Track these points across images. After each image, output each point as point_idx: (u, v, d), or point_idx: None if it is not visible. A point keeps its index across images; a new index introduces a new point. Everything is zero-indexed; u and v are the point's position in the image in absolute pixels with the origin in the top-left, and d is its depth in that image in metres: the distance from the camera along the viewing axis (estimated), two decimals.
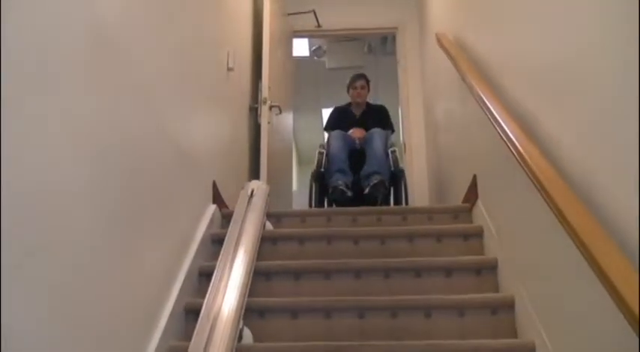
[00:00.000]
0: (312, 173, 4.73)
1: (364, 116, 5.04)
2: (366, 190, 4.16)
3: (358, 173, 4.36)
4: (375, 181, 4.10)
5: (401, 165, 4.72)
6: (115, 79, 1.83)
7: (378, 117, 4.97)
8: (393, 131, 5.00)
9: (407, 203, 4.51)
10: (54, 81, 1.43)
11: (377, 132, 4.58)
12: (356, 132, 4.80)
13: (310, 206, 4.63)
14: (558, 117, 1.86)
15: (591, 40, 1.57)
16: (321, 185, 4.63)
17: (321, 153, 4.73)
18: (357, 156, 4.51)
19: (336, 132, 4.72)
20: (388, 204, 4.68)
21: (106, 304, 1.70)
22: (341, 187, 4.13)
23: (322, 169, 4.64)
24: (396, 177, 4.54)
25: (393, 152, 4.59)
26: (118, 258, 1.80)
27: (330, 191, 4.26)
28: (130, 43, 1.98)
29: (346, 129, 4.84)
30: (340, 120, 5.05)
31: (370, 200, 4.39)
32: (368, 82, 5.15)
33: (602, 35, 1.49)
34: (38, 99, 1.35)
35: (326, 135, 4.99)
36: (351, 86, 5.12)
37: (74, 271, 1.50)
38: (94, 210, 1.64)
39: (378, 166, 4.30)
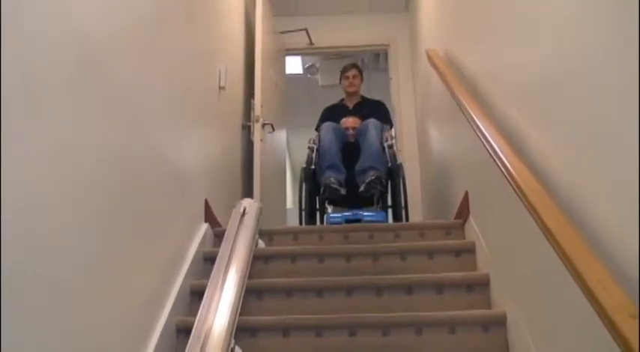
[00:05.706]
0: (302, 171, 4.33)
1: (358, 107, 4.69)
2: (362, 187, 3.83)
3: (352, 168, 3.99)
4: (372, 178, 3.77)
5: (399, 159, 4.34)
6: (104, 99, 1.84)
7: (376, 111, 4.57)
8: (391, 126, 4.63)
9: (406, 201, 4.12)
10: (40, 103, 1.44)
11: (372, 123, 4.18)
12: (349, 122, 4.46)
13: (300, 208, 4.28)
14: (546, 133, 1.87)
15: (581, 56, 1.58)
16: (313, 184, 4.26)
17: (310, 149, 4.34)
18: (350, 149, 4.14)
19: (327, 124, 4.33)
20: (385, 201, 4.32)
21: (96, 322, 1.69)
22: (333, 185, 3.83)
23: (313, 166, 4.24)
24: (394, 173, 4.14)
25: (390, 146, 4.22)
26: (107, 277, 1.79)
27: (322, 189, 3.94)
28: (119, 62, 1.99)
29: (338, 121, 4.49)
30: (332, 115, 4.65)
31: (366, 198, 4.06)
32: (361, 72, 4.83)
33: (592, 52, 1.50)
34: (25, 121, 1.36)
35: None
36: (342, 76, 4.80)
37: (61, 289, 1.50)
38: (83, 229, 1.64)
39: (374, 161, 3.94)
